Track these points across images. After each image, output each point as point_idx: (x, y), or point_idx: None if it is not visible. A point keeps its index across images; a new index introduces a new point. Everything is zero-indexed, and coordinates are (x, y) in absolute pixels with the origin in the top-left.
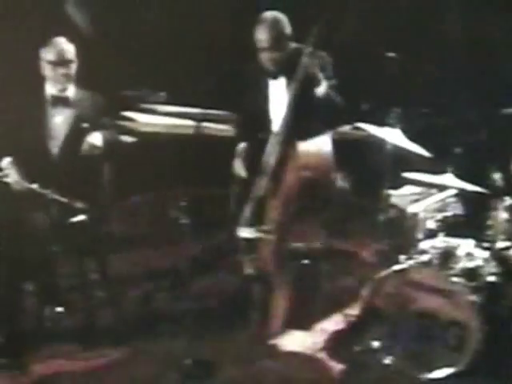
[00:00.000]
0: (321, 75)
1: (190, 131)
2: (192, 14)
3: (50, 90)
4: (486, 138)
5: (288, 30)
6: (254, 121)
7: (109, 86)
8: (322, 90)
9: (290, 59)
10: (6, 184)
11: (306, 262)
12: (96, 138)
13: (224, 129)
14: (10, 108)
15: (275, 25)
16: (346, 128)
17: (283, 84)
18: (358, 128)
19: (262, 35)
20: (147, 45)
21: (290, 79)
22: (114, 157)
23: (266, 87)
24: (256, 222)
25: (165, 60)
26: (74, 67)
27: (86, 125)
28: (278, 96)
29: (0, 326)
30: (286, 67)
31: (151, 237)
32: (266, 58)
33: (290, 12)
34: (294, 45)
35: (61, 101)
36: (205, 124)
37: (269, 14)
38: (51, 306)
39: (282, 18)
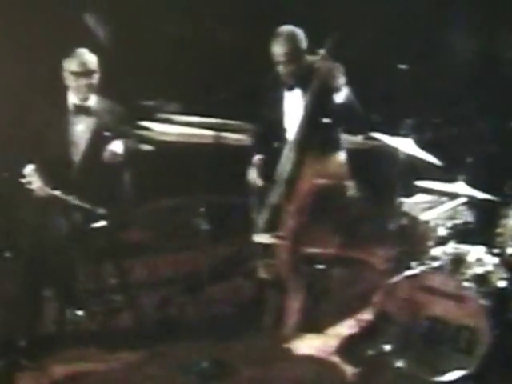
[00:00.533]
0: (339, 82)
1: (206, 140)
2: (209, 26)
3: (73, 99)
4: (495, 147)
5: (304, 43)
6: (270, 131)
7: (126, 95)
8: (342, 95)
9: (305, 72)
10: (30, 190)
11: (320, 266)
12: (117, 146)
13: (240, 138)
14: (33, 116)
15: (291, 39)
16: (360, 138)
17: (299, 95)
18: (371, 138)
19: (278, 49)
20: (165, 56)
21: (305, 91)
22: (134, 164)
23: (281, 98)
24: (271, 228)
25: (182, 71)
26: (96, 77)
27: (107, 133)
28: (294, 107)
29: (22, 328)
30: (302, 79)
31: (169, 242)
32: (282, 70)
33: (306, 25)
34: (309, 57)
35: (83, 110)
36: (220, 133)
37: (285, 28)
38: (72, 310)
39: (299, 32)
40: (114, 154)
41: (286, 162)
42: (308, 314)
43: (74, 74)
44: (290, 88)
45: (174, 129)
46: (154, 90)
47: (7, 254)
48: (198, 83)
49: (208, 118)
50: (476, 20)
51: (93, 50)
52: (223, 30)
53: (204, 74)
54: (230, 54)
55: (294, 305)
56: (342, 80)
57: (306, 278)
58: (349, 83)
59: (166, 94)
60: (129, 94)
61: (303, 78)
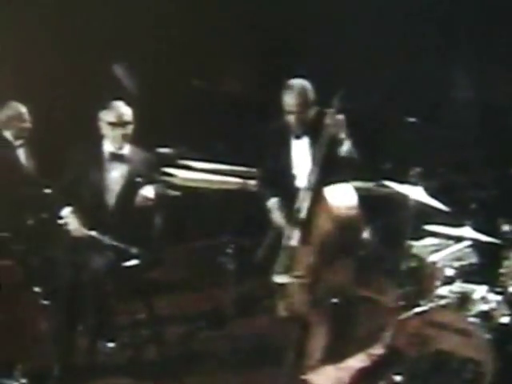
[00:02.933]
0: (343, 135)
1: (224, 186)
2: (230, 80)
3: (108, 147)
4: (497, 194)
5: (312, 95)
6: (279, 177)
7: (150, 144)
8: (345, 148)
9: (313, 122)
10: (67, 231)
11: (335, 301)
12: (148, 191)
13: (253, 184)
14: (71, 163)
15: (302, 91)
16: (372, 185)
17: (306, 143)
18: (383, 185)
19: (289, 100)
20: (183, 107)
21: (312, 139)
22: (164, 208)
23: (289, 146)
24: (289, 268)
25: (200, 122)
26: (130, 128)
27: (139, 179)
28: (302, 154)
29: (57, 359)
30: (310, 129)
31: (196, 280)
32: (292, 120)
33: (315, 78)
34: (317, 108)
35: (117, 157)
36: (239, 180)
37: (296, 82)
38: (103, 342)
39: (308, 85)
40: (146, 199)
41: (302, 206)
42: (327, 347)
43: (111, 124)
44: (298, 136)
45: (193, 175)
46: (174, 139)
47: (37, 289)
48: (217, 134)
49: (220, 165)
50: (478, 72)
51: (130, 103)
52: (243, 83)
53: (216, 124)
54: (241, 105)
55: (312, 339)
56: (344, 132)
57: (323, 313)
58: (364, 135)
59: (186, 142)
60: (152, 142)
61: (311, 128)
